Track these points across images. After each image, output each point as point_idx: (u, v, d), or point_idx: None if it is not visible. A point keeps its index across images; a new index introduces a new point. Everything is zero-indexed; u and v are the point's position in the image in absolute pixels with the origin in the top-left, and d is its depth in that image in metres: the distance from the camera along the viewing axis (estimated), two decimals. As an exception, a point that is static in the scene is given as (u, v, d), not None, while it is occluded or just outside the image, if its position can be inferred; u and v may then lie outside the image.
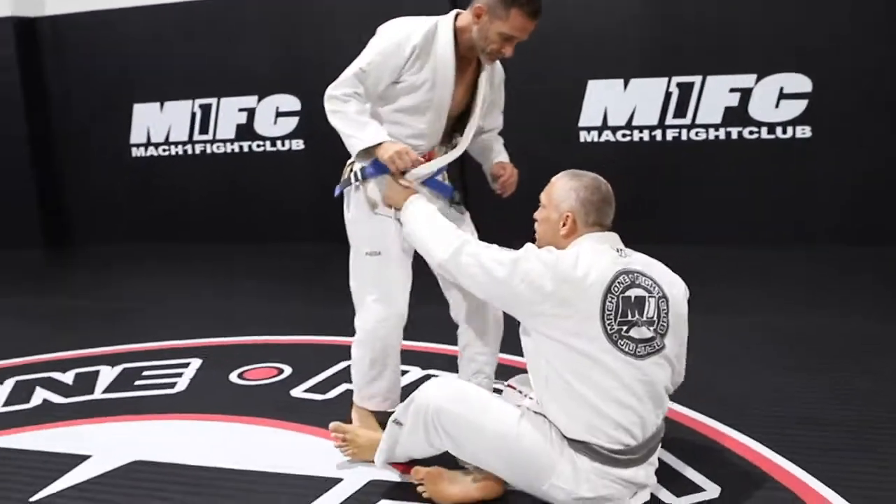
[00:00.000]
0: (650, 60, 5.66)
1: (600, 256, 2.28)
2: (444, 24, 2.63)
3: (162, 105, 6.78)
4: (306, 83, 6.17)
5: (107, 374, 3.73)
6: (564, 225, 2.37)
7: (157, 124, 6.82)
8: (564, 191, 2.40)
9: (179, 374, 3.66)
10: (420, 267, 2.69)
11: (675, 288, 2.38)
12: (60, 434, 3.08)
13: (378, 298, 2.69)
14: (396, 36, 2.58)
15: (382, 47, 2.58)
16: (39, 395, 3.50)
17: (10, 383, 3.66)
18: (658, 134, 5.71)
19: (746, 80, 5.48)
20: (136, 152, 6.91)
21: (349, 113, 2.59)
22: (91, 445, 2.94)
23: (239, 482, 2.62)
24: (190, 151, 6.70)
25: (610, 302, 2.23)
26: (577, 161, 5.58)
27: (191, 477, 2.67)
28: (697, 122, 5.62)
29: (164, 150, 6.83)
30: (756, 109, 5.50)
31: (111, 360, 3.91)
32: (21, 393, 3.54)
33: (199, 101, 6.68)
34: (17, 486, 2.67)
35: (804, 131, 5.43)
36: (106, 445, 2.94)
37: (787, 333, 3.84)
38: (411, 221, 2.50)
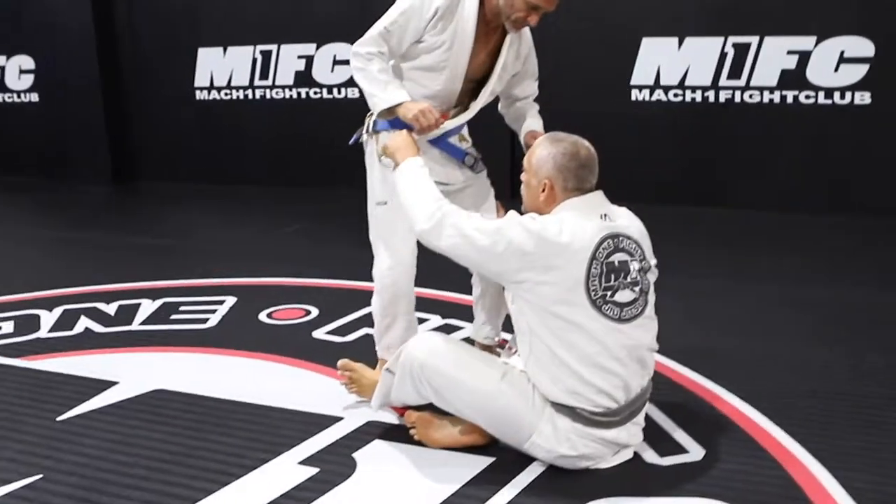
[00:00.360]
0: (706, 19, 5.54)
1: (584, 222, 2.30)
2: None
3: (225, 50, 6.95)
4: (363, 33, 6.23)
5: (147, 307, 3.93)
6: (544, 191, 2.38)
7: (220, 68, 7.00)
8: (543, 157, 2.39)
9: (213, 311, 3.84)
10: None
11: (641, 232, 2.44)
12: (94, 361, 3.29)
13: (385, 248, 2.79)
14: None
15: (406, 7, 2.62)
16: (82, 324, 3.72)
17: (58, 311, 3.90)
18: (711, 95, 5.61)
19: (806, 42, 5.33)
20: (199, 95, 7.11)
21: (372, 72, 2.64)
22: (120, 373, 3.14)
23: (247, 414, 2.78)
24: (250, 96, 6.87)
25: (595, 268, 2.26)
26: (627, 119, 5.63)
27: (205, 407, 2.85)
28: (752, 84, 5.50)
29: (226, 94, 7.01)
30: (814, 73, 5.35)
31: (153, 294, 4.12)
32: (67, 321, 3.77)
33: (260, 48, 6.82)
34: (49, 406, 2.88)
35: (863, 97, 5.27)
36: (133, 373, 3.13)
37: (813, 304, 3.80)
38: (400, 182, 2.49)
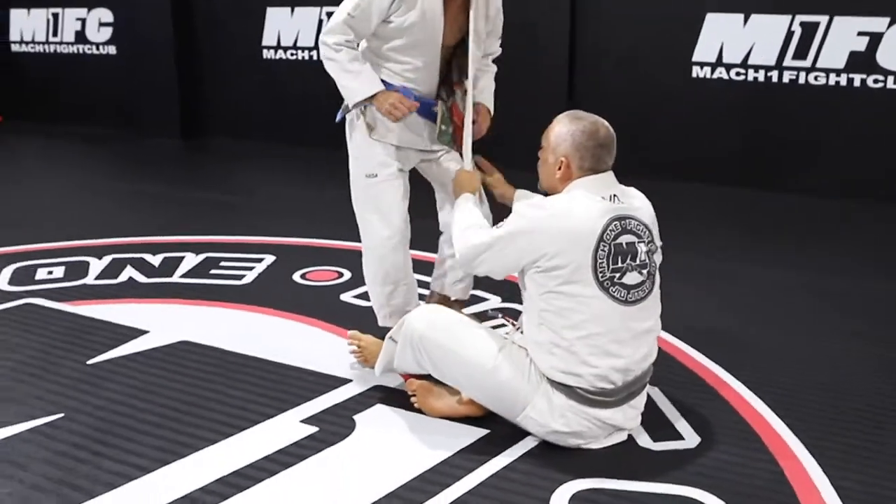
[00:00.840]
0: (773, -4, 5.37)
1: (592, 204, 2.32)
2: None
3: (292, 10, 7.05)
4: None
5: (190, 260, 4.10)
6: (560, 169, 2.40)
7: (287, 28, 7.11)
8: (561, 134, 2.40)
9: (251, 268, 3.98)
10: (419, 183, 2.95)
11: (651, 215, 2.45)
12: (131, 309, 3.46)
13: (380, 219, 2.86)
14: None
15: None
16: (127, 273, 3.91)
17: (107, 259, 4.09)
18: (774, 75, 5.45)
19: (877, 23, 5.11)
20: (266, 54, 7.25)
21: (343, 62, 2.69)
22: (152, 322, 3.31)
23: (261, 370, 2.90)
24: (315, 57, 6.96)
25: (602, 250, 2.28)
26: (687, 96, 5.50)
27: (223, 360, 2.98)
28: (818, 65, 5.32)
29: (292, 55, 7.13)
30: (885, 56, 5.14)
31: (198, 248, 4.28)
32: (113, 269, 3.96)
33: (326, 9, 6.90)
34: (83, 350, 3.06)
35: (935, 84, 5.05)
36: (164, 324, 3.29)
37: (844, 297, 3.71)
38: (457, 212, 2.66)
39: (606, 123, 2.42)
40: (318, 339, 3.20)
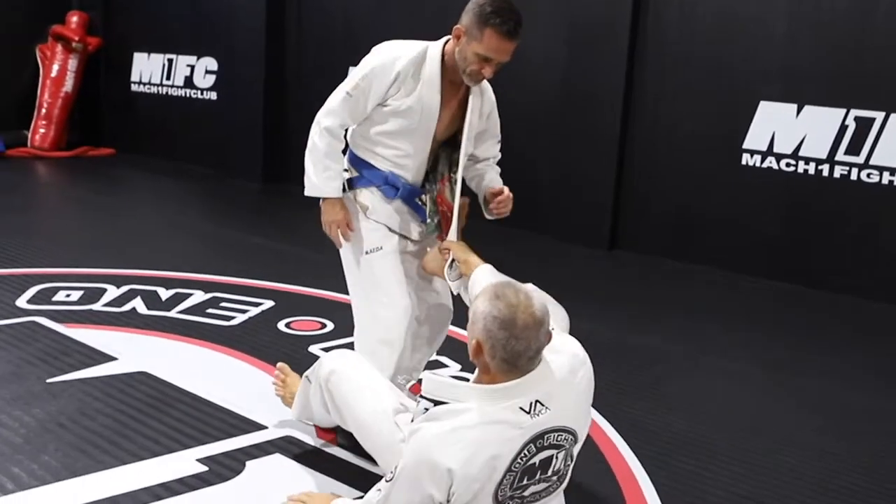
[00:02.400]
0: (828, 87, 5.19)
1: (503, 432, 1.93)
2: (433, 50, 2.66)
3: (372, 70, 7.37)
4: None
5: (196, 297, 4.34)
6: (475, 349, 1.98)
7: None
8: (477, 313, 1.97)
9: (245, 311, 4.18)
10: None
11: (583, 385, 2.13)
12: (114, 337, 3.72)
13: (389, 296, 2.74)
14: (382, 60, 2.63)
15: (367, 71, 2.63)
16: (132, 304, 4.19)
17: (124, 289, 4.40)
18: (825, 169, 5.25)
19: (935, 124, 4.87)
20: (346, 110, 7.57)
21: (319, 152, 2.70)
22: (125, 351, 3.55)
23: (190, 407, 3.06)
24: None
25: (508, 478, 1.97)
26: (735, 183, 5.37)
27: (162, 393, 3.17)
28: (872, 162, 5.10)
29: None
30: (943, 158, 4.88)
31: (209, 287, 4.52)
32: (123, 299, 4.26)
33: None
34: (48, 368, 3.33)
35: None
36: (134, 353, 3.52)
37: (822, 405, 3.52)
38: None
39: (534, 308, 1.95)
40: (262, 384, 3.32)
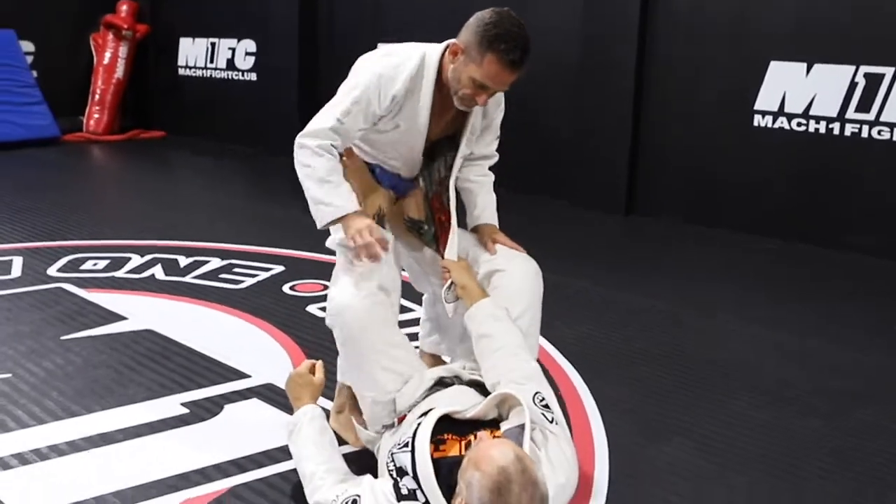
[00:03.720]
0: (838, 44, 5.16)
1: None
2: (430, 59, 2.37)
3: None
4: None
5: (213, 264, 4.63)
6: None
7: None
8: (465, 479, 1.85)
9: (254, 276, 4.44)
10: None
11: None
12: (128, 300, 4.02)
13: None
14: (377, 82, 2.33)
15: (359, 95, 2.34)
16: (152, 271, 4.50)
17: (147, 258, 4.71)
18: (836, 127, 5.23)
19: (944, 78, 4.82)
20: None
21: (319, 171, 2.34)
22: (134, 311, 3.85)
23: (183, 358, 3.35)
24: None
25: None
26: (748, 145, 5.40)
27: (162, 347, 3.45)
28: (882, 118, 5.06)
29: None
30: (953, 113, 4.83)
31: (227, 255, 4.80)
32: (144, 266, 4.57)
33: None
34: (64, 327, 3.65)
35: None
36: (143, 313, 3.82)
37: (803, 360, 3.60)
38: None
39: (528, 479, 1.79)
40: (253, 338, 3.58)
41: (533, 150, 6.50)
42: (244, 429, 2.78)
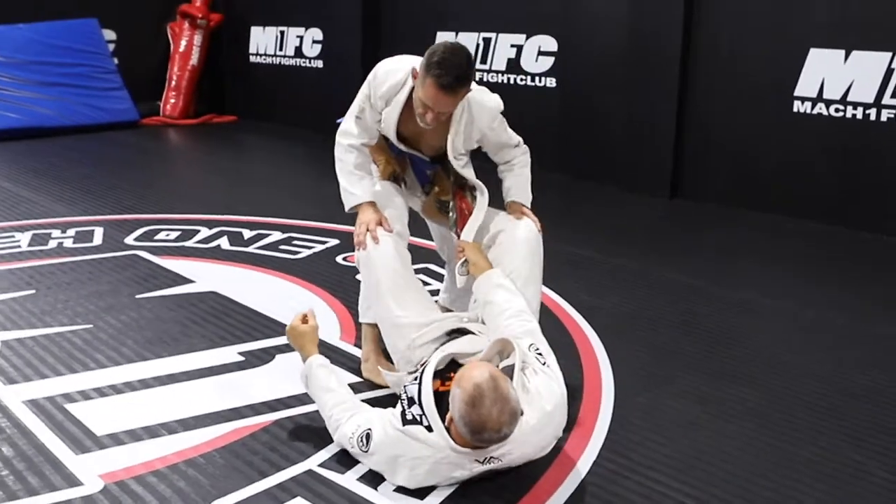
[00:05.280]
0: (876, 32, 5.29)
1: (448, 470, 2.29)
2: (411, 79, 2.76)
3: (456, 34, 7.87)
4: (566, 28, 6.84)
5: (274, 237, 5.03)
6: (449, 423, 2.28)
7: (452, 50, 7.92)
8: (455, 400, 2.21)
9: (311, 248, 4.83)
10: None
11: (548, 439, 2.42)
12: (196, 266, 4.46)
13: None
14: (373, 82, 2.84)
15: (366, 93, 2.87)
16: (218, 242, 4.93)
17: (215, 230, 5.15)
18: (873, 113, 5.36)
19: (980, 64, 4.91)
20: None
21: (348, 165, 2.93)
22: (201, 275, 4.27)
23: (242, 316, 3.75)
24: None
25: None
26: (787, 131, 5.57)
27: (224, 307, 3.86)
28: (919, 105, 5.18)
29: (455, 74, 7.93)
30: None
31: (288, 229, 5.21)
32: (212, 238, 5.01)
33: (483, 35, 7.64)
34: (139, 287, 4.10)
35: None
36: (209, 277, 4.24)
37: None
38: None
39: (503, 425, 2.17)
40: (305, 300, 3.96)
41: (583, 135, 6.76)
42: (291, 374, 3.12)
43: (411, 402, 2.36)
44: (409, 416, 2.35)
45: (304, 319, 2.79)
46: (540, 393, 2.36)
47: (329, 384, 2.65)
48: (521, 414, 2.27)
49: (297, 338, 2.77)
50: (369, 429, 2.42)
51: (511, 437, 2.24)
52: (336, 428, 2.56)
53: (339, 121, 3.46)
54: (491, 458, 2.29)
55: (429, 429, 2.29)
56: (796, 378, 3.27)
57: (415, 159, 3.05)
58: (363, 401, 2.71)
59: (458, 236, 2.98)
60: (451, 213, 3.06)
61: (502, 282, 2.76)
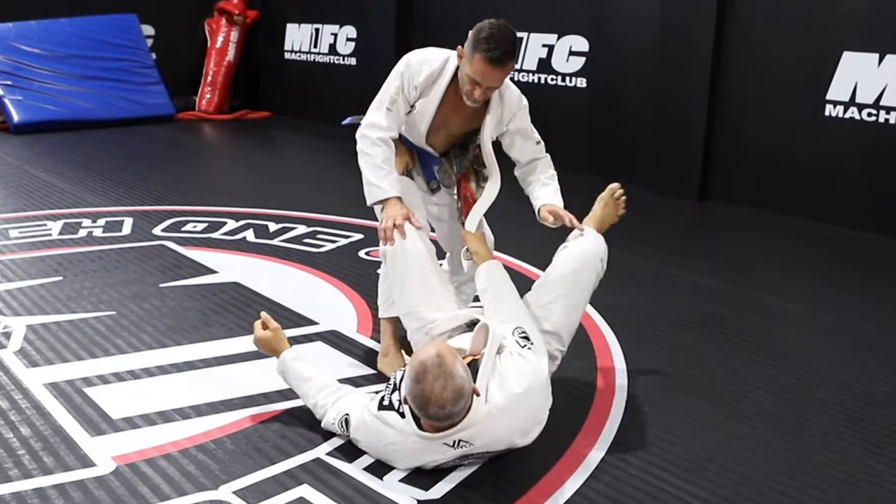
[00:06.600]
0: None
1: (422, 454, 2.38)
2: (450, 65, 2.83)
3: (489, 33, 7.87)
4: (594, 28, 6.81)
5: (299, 230, 5.08)
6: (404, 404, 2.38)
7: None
8: (407, 376, 2.31)
9: (335, 242, 4.87)
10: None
11: (519, 421, 2.44)
12: (221, 257, 4.51)
13: None
14: (407, 71, 2.85)
15: (399, 84, 2.86)
16: (244, 234, 4.98)
17: (241, 223, 5.20)
18: (906, 117, 5.28)
19: None
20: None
21: (376, 159, 2.86)
22: (224, 266, 4.33)
23: (262, 306, 3.74)
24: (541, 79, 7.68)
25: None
26: (818, 134, 5.51)
27: (245, 297, 3.91)
28: (954, 110, 5.09)
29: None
30: None
31: (313, 223, 5.25)
32: (238, 230, 5.06)
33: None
34: (164, 276, 4.16)
35: None
36: (232, 269, 4.29)
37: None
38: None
39: (445, 400, 2.22)
40: (326, 293, 3.99)
41: (613, 135, 6.73)
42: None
43: (395, 388, 2.42)
44: (385, 402, 2.43)
45: (264, 326, 2.82)
46: (510, 374, 2.38)
47: (306, 374, 2.73)
48: (477, 394, 2.30)
49: (266, 343, 2.81)
50: (347, 414, 2.52)
51: (474, 419, 2.28)
52: (323, 415, 2.63)
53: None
54: (460, 441, 2.31)
55: (402, 415, 2.37)
56: (814, 382, 3.23)
57: (423, 155, 3.07)
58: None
59: (464, 224, 3.02)
60: (458, 202, 3.11)
61: (496, 274, 2.82)
